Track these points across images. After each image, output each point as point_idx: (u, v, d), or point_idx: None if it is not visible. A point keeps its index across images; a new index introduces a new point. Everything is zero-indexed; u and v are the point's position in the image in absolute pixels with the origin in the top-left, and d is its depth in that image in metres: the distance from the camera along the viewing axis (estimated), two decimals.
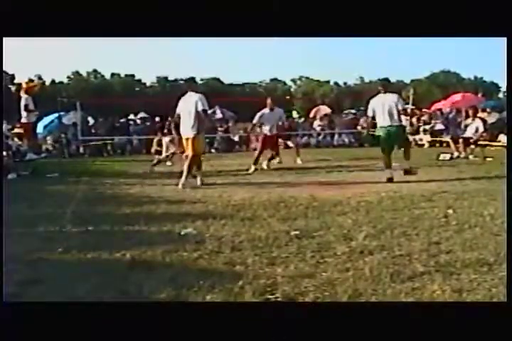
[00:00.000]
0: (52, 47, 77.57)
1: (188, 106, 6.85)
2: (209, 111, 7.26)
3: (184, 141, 7.07)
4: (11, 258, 3.04)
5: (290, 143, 12.24)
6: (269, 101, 9.29)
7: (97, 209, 5.12)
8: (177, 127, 7.41)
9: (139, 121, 19.92)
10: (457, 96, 18.01)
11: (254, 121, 9.40)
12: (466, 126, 11.88)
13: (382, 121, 7.09)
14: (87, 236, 3.84)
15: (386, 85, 7.38)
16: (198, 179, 7.05)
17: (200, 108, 6.71)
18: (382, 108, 7.07)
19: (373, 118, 7.37)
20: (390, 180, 6.80)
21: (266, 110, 9.27)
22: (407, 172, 7.16)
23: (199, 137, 6.91)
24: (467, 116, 12.53)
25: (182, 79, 60.88)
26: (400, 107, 7.05)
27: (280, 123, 9.60)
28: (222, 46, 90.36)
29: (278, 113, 9.46)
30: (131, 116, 21.07)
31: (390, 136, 7.10)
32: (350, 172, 8.38)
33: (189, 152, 6.89)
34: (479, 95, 20.28)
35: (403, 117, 7.39)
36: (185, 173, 6.81)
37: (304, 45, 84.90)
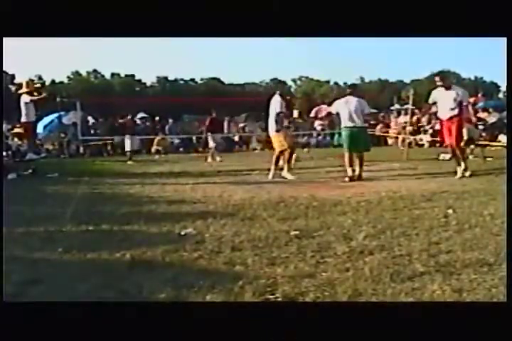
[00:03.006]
0: (52, 47, 77.36)
1: (271, 108, 7.86)
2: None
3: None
4: (11, 258, 3.04)
5: None
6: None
7: (97, 209, 5.11)
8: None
9: (139, 122, 19.92)
10: None
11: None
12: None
13: (346, 122, 7.54)
14: (87, 236, 3.84)
15: (353, 89, 7.94)
16: (284, 171, 7.78)
17: (277, 110, 7.69)
18: (347, 110, 7.50)
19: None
20: (351, 179, 7.30)
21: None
22: (359, 177, 7.36)
23: (278, 135, 7.80)
24: None
25: (182, 79, 60.95)
26: (367, 111, 7.66)
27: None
28: (222, 46, 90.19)
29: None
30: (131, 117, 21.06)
31: (352, 137, 7.53)
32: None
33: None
34: (479, 95, 20.19)
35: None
36: (272, 166, 7.82)
37: (304, 45, 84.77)
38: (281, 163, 7.90)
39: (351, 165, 7.48)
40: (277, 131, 7.77)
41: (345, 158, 7.53)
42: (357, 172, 7.43)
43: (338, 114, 7.70)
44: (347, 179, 7.27)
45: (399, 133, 15.74)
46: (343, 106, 7.58)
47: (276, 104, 7.76)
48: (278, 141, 7.79)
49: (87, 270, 2.96)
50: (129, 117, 13.77)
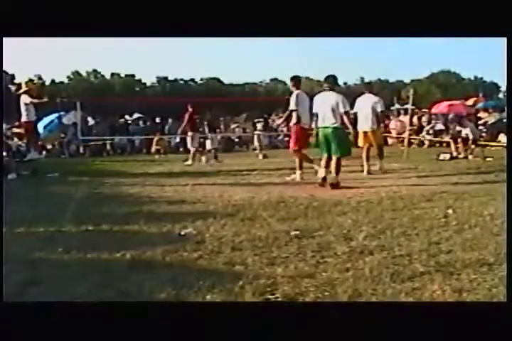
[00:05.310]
0: (52, 47, 77.37)
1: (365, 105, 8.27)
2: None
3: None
4: (11, 258, 3.04)
5: None
6: None
7: (97, 209, 5.11)
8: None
9: (138, 122, 19.97)
10: (444, 107, 17.91)
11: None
12: (459, 131, 11.78)
13: (320, 121, 6.63)
14: (87, 236, 3.84)
15: (332, 83, 6.81)
16: (377, 166, 8.30)
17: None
18: (323, 107, 6.60)
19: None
20: (333, 185, 6.34)
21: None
22: (333, 185, 6.32)
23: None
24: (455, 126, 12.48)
25: (182, 79, 60.90)
26: (342, 110, 6.45)
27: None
28: (222, 46, 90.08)
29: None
30: (127, 117, 21.10)
31: (324, 139, 6.60)
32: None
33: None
34: (474, 99, 20.19)
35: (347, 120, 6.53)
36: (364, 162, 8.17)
37: (304, 45, 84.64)
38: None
39: (327, 166, 6.58)
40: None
41: (322, 160, 6.68)
42: (333, 177, 6.42)
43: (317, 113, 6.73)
44: (319, 181, 6.47)
45: (399, 133, 15.75)
46: (319, 103, 6.69)
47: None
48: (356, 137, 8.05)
49: (87, 270, 2.96)
50: (208, 115, 13.51)
